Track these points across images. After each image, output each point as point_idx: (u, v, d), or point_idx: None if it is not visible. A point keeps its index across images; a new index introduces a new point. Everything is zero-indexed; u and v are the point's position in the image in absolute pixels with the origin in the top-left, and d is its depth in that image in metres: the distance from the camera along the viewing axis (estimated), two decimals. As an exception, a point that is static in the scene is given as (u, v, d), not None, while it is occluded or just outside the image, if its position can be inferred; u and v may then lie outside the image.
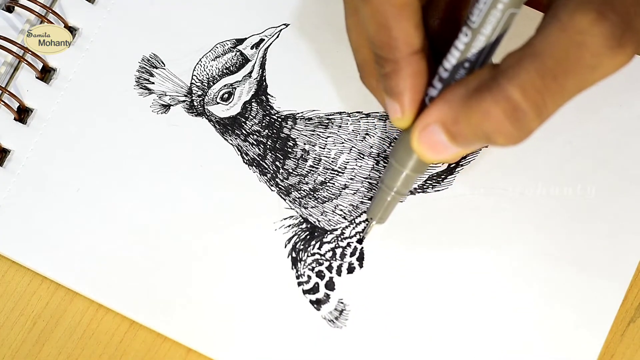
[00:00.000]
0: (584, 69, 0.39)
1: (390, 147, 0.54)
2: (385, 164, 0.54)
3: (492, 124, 0.39)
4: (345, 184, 0.54)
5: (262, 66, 0.55)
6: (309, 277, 0.53)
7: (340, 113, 0.54)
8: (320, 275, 0.53)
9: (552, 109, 0.39)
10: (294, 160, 0.54)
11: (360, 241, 0.53)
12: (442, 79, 0.42)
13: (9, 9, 0.56)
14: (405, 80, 0.42)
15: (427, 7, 0.43)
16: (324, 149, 0.54)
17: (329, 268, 0.53)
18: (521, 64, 0.39)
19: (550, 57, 0.38)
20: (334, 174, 0.54)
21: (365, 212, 0.53)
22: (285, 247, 0.53)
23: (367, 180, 0.54)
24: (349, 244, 0.53)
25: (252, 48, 0.55)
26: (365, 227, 0.53)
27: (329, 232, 0.53)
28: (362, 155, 0.54)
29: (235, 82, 0.55)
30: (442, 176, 0.54)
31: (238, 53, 0.55)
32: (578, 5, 0.38)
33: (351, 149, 0.54)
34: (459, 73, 0.42)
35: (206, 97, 0.55)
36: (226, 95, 0.55)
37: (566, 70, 0.38)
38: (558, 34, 0.38)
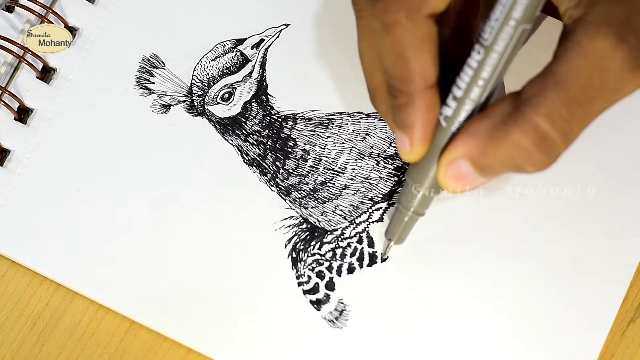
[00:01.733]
0: (608, 93, 0.39)
1: (391, 147, 0.54)
2: (385, 165, 0.54)
3: (521, 155, 0.40)
4: (346, 184, 0.54)
5: (263, 66, 0.55)
6: (309, 277, 0.53)
7: (340, 113, 0.54)
8: (320, 275, 0.53)
9: (578, 132, 0.40)
10: (294, 160, 0.54)
11: (382, 260, 0.53)
12: (456, 97, 0.42)
13: (9, 9, 0.56)
14: (417, 114, 0.42)
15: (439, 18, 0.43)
16: (324, 149, 0.54)
17: (329, 268, 0.53)
18: (545, 93, 0.39)
19: (574, 85, 0.39)
20: (334, 174, 0.54)
21: (364, 212, 0.53)
22: (286, 247, 0.53)
23: (367, 180, 0.54)
24: (349, 244, 0.53)
25: (252, 48, 0.55)
26: (384, 247, 0.53)
27: (329, 233, 0.53)
28: (362, 156, 0.54)
29: (235, 82, 0.55)
30: (443, 176, 0.54)
31: (238, 53, 0.55)
32: (598, 29, 0.38)
33: (351, 149, 0.54)
34: (473, 91, 0.41)
35: (206, 97, 0.55)
36: (226, 96, 0.55)
37: (591, 96, 0.39)
38: (580, 60, 0.39)
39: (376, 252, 0.53)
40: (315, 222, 0.53)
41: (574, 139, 0.40)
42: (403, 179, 0.54)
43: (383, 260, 0.53)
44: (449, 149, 0.42)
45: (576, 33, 0.39)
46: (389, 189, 0.54)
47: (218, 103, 0.55)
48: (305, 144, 0.54)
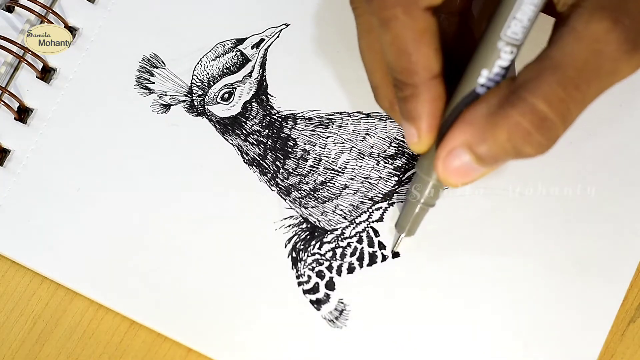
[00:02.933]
0: (604, 75, 0.39)
1: (391, 147, 0.54)
2: (385, 164, 0.54)
3: (520, 137, 0.40)
4: (346, 184, 0.54)
5: (263, 66, 0.55)
6: (309, 277, 0.53)
7: (340, 113, 0.54)
8: (320, 275, 0.53)
9: (575, 114, 0.40)
10: (294, 160, 0.54)
11: (394, 255, 0.53)
12: (478, 94, 0.42)
13: (9, 9, 0.56)
14: (423, 105, 0.42)
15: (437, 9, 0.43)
16: (324, 148, 0.54)
17: (329, 268, 0.53)
18: (542, 76, 0.39)
19: (570, 68, 0.39)
20: (334, 174, 0.54)
21: (364, 212, 0.53)
22: (286, 247, 0.53)
23: (367, 180, 0.54)
24: (349, 244, 0.53)
25: (252, 48, 0.55)
26: (394, 240, 0.53)
27: (329, 232, 0.53)
28: (362, 155, 0.54)
29: (235, 82, 0.55)
30: (443, 176, 0.54)
31: (238, 53, 0.55)
32: (592, 13, 0.39)
33: (351, 149, 0.54)
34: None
35: (206, 96, 0.55)
36: (226, 95, 0.55)
37: (587, 78, 0.39)
38: (575, 44, 0.39)
39: (376, 251, 0.53)
40: (315, 222, 0.53)
41: (572, 121, 0.40)
42: (403, 179, 0.54)
43: (394, 254, 0.53)
44: (446, 139, 0.42)
45: (571, 18, 0.39)
46: (389, 189, 0.54)
47: (218, 103, 0.55)
48: (305, 144, 0.54)
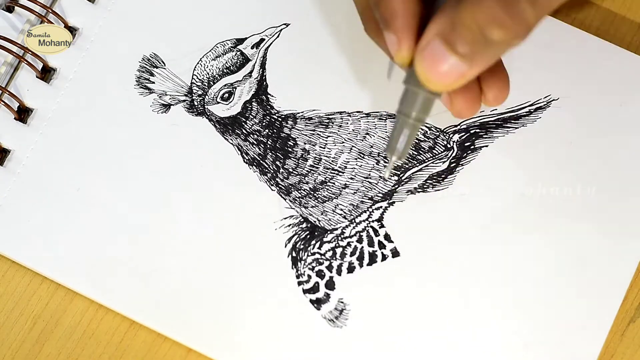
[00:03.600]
0: None
1: None
2: (385, 164, 0.54)
3: (487, 16, 0.38)
4: (346, 184, 0.54)
5: (263, 66, 0.55)
6: (309, 276, 0.53)
7: (340, 112, 0.54)
8: (320, 274, 0.53)
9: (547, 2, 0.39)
10: (294, 159, 0.54)
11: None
12: None
13: (9, 9, 0.56)
14: (396, 4, 0.42)
15: None
16: (324, 148, 0.54)
17: (329, 267, 0.53)
18: None
19: None
20: (334, 173, 0.54)
21: (364, 211, 0.53)
22: (286, 246, 0.53)
23: (367, 179, 0.54)
24: (349, 244, 0.53)
25: (252, 48, 0.55)
26: (384, 166, 0.52)
27: (329, 232, 0.53)
28: (362, 155, 0.54)
29: (235, 82, 0.55)
30: (442, 176, 0.54)
31: (238, 53, 0.55)
32: None
33: (351, 149, 0.54)
34: None
35: (206, 96, 0.55)
36: (226, 95, 0.55)
37: None
38: None
39: (376, 251, 0.53)
40: (315, 222, 0.53)
41: (542, 7, 0.39)
42: (403, 178, 0.54)
43: (384, 179, 0.52)
44: (423, 34, 0.41)
45: None
46: (389, 188, 0.54)
47: (218, 102, 0.55)
48: (305, 144, 0.54)
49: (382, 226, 0.53)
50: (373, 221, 0.53)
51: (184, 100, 0.55)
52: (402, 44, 0.42)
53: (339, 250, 0.53)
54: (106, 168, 0.54)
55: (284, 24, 0.56)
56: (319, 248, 0.53)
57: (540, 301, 0.52)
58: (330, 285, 0.53)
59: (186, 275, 0.53)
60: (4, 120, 0.55)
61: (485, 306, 0.52)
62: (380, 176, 0.53)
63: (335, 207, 0.53)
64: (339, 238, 0.53)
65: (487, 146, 0.54)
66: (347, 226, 0.53)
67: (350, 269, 0.53)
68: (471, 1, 0.39)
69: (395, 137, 0.45)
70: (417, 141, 0.54)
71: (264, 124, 0.54)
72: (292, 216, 0.53)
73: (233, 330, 0.52)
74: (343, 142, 0.54)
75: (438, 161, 0.54)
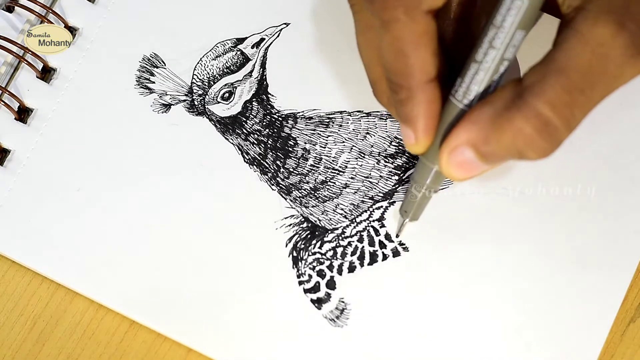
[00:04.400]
0: (608, 79, 0.39)
1: (391, 146, 0.54)
2: (385, 163, 0.54)
3: (524, 141, 0.40)
4: (346, 183, 0.54)
5: (263, 65, 0.55)
6: (310, 276, 0.53)
7: (340, 112, 0.55)
8: (321, 274, 0.53)
9: (579, 119, 0.40)
10: (295, 159, 0.54)
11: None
12: (464, 80, 0.42)
13: (9, 9, 0.56)
14: (419, 108, 0.42)
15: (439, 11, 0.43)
16: (324, 148, 0.54)
17: (330, 267, 0.53)
18: (547, 80, 0.39)
19: (575, 72, 0.39)
20: (334, 173, 0.54)
21: (365, 211, 0.53)
22: (286, 246, 0.53)
23: (367, 179, 0.54)
24: (349, 243, 0.53)
25: (252, 47, 0.55)
26: (399, 225, 0.52)
27: (329, 231, 0.53)
28: (362, 155, 0.54)
29: (235, 82, 0.55)
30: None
31: (239, 52, 0.55)
32: (597, 17, 0.39)
33: (352, 148, 0.54)
34: (479, 74, 0.42)
35: (207, 96, 0.55)
36: (227, 95, 0.55)
37: (592, 82, 0.39)
38: (580, 48, 0.39)
39: (377, 250, 0.53)
40: (315, 221, 0.53)
41: (576, 126, 0.40)
42: (403, 178, 0.54)
43: (397, 236, 0.53)
44: (451, 136, 0.42)
45: (576, 21, 0.39)
46: (389, 188, 0.54)
47: (218, 102, 0.55)
48: (305, 143, 0.54)
49: (382, 226, 0.53)
50: (374, 221, 0.53)
51: (184, 100, 0.55)
52: (419, 142, 0.44)
53: (339, 250, 0.53)
54: (106, 168, 0.54)
55: (284, 24, 0.56)
56: (320, 247, 0.53)
57: (541, 301, 0.52)
58: (331, 284, 0.53)
59: (186, 275, 0.53)
60: (4, 120, 0.55)
61: (486, 306, 0.52)
62: (396, 234, 0.53)
63: (336, 207, 0.53)
64: (340, 237, 0.53)
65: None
66: (347, 226, 0.53)
67: (351, 269, 0.53)
68: (508, 122, 0.40)
69: (409, 203, 0.49)
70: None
71: (264, 123, 0.54)
72: (293, 216, 0.53)
73: (233, 330, 0.52)
74: (343, 142, 0.54)
75: (438, 161, 0.54)
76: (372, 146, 0.54)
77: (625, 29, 0.38)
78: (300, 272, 0.53)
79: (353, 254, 0.53)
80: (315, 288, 0.52)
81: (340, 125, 0.54)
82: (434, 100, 0.42)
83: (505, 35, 0.41)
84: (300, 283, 0.53)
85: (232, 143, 0.54)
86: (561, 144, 0.40)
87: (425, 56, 0.41)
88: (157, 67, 0.55)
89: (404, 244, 0.53)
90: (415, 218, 0.51)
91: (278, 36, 0.55)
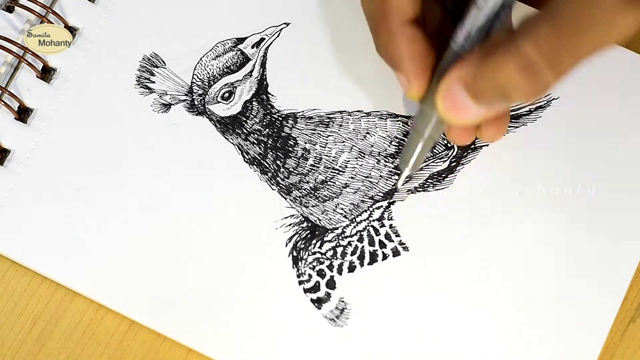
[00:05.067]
0: (600, 25, 0.39)
1: (391, 146, 0.54)
2: (385, 163, 0.54)
3: (506, 79, 0.40)
4: (346, 183, 0.54)
5: (263, 65, 0.55)
6: (310, 275, 0.53)
7: (341, 112, 0.55)
8: (321, 274, 0.53)
9: (567, 63, 0.40)
10: (295, 159, 0.54)
11: (394, 191, 0.53)
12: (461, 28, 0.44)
13: (9, 9, 0.56)
14: (401, 48, 0.44)
15: None
16: (324, 147, 0.54)
17: (330, 267, 0.53)
18: (536, 23, 0.40)
19: (564, 16, 0.39)
20: (334, 172, 0.54)
21: (365, 211, 0.53)
22: (286, 246, 0.53)
23: (367, 179, 0.54)
24: (349, 243, 0.53)
25: (252, 47, 0.55)
26: (400, 178, 0.52)
27: (329, 231, 0.53)
28: (362, 154, 0.54)
29: (235, 81, 0.55)
30: (443, 175, 0.54)
31: (239, 52, 0.55)
32: None
33: (352, 148, 0.54)
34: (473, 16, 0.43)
35: (207, 96, 0.55)
36: (227, 94, 0.55)
37: (581, 26, 0.39)
38: None
39: (377, 250, 0.53)
40: (315, 221, 0.53)
41: (564, 71, 0.40)
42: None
43: (396, 190, 0.53)
44: (445, 75, 0.43)
45: None
46: (389, 188, 0.54)
47: (218, 102, 0.55)
48: (305, 143, 0.54)
49: (382, 225, 0.53)
50: (374, 220, 0.53)
51: (185, 100, 0.55)
52: (412, 84, 0.45)
53: (339, 250, 0.53)
54: (106, 168, 0.54)
55: (284, 24, 0.56)
56: (320, 247, 0.53)
57: (541, 301, 0.52)
58: (331, 284, 0.53)
59: (186, 275, 0.53)
60: (4, 120, 0.55)
61: (485, 306, 0.52)
62: (393, 187, 0.53)
63: (336, 207, 0.53)
64: (340, 237, 0.53)
65: (487, 145, 0.54)
66: (347, 225, 0.53)
67: (351, 268, 0.53)
68: (494, 60, 0.41)
69: (409, 151, 0.49)
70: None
71: (264, 123, 0.54)
72: (293, 215, 0.53)
73: (233, 330, 0.52)
74: (344, 142, 0.54)
75: (438, 160, 0.54)
76: (372, 146, 0.54)
77: None
78: (300, 271, 0.53)
79: (353, 253, 0.53)
80: (315, 288, 0.52)
81: (340, 125, 0.54)
82: (415, 40, 0.44)
83: None
84: (300, 283, 0.53)
85: (232, 143, 0.54)
86: (546, 88, 0.41)
87: None
88: (157, 67, 0.55)
89: (404, 244, 0.53)
90: (415, 168, 0.50)
91: (278, 36, 0.55)
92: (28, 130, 0.55)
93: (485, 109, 0.43)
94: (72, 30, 0.56)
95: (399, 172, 0.52)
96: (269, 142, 0.54)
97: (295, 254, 0.53)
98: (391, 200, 0.53)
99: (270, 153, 0.54)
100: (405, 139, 0.53)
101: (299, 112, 0.54)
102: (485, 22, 0.43)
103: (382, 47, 0.45)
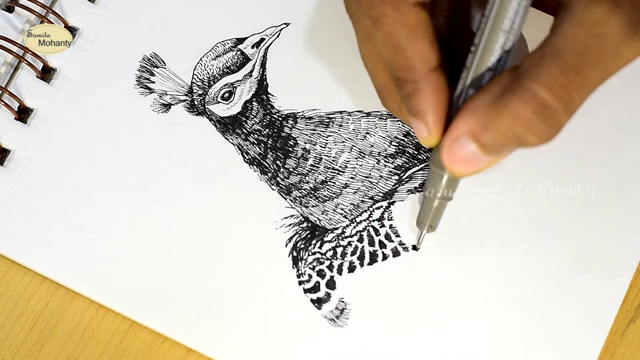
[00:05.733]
0: (606, 59, 0.39)
1: (391, 146, 0.54)
2: (385, 163, 0.54)
3: (523, 125, 0.39)
4: (346, 183, 0.54)
5: (263, 65, 0.55)
6: (310, 276, 0.53)
7: (340, 112, 0.55)
8: (321, 274, 0.53)
9: (578, 101, 0.40)
10: (295, 159, 0.54)
11: (414, 249, 0.53)
12: (462, 76, 0.43)
13: (9, 9, 0.56)
14: (426, 99, 0.42)
15: (431, 8, 0.43)
16: (324, 148, 0.54)
17: (330, 267, 0.53)
18: (542, 63, 0.39)
19: (570, 53, 0.39)
20: (334, 173, 0.54)
21: (365, 211, 0.53)
22: (286, 246, 0.53)
23: (367, 179, 0.54)
24: (349, 243, 0.53)
25: (252, 47, 0.55)
26: (417, 237, 0.52)
27: (329, 231, 0.53)
28: (362, 154, 0.54)
29: (235, 81, 0.55)
30: (443, 175, 0.54)
31: (239, 52, 0.55)
32: None
33: (352, 148, 0.54)
34: (475, 65, 0.42)
35: (207, 96, 0.55)
36: (227, 95, 0.55)
37: (588, 63, 0.39)
38: (575, 29, 0.39)
39: (377, 250, 0.53)
40: (315, 221, 0.53)
41: (575, 109, 0.40)
42: (403, 177, 0.54)
43: (416, 249, 0.53)
44: (450, 128, 0.42)
45: (571, 5, 0.39)
46: (389, 188, 0.54)
47: (218, 102, 0.55)
48: (305, 143, 0.54)
49: (382, 225, 0.53)
50: (374, 220, 0.53)
51: (184, 100, 0.55)
52: (431, 134, 0.43)
53: (339, 250, 0.53)
54: (106, 168, 0.54)
55: (284, 24, 0.56)
56: (320, 247, 0.53)
57: (541, 301, 0.52)
58: (331, 284, 0.52)
59: (186, 275, 0.53)
60: (4, 120, 0.55)
61: (486, 306, 0.52)
62: (415, 246, 0.53)
63: (336, 207, 0.53)
64: (340, 237, 0.53)
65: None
66: (347, 225, 0.53)
67: (351, 269, 0.53)
68: (507, 107, 0.40)
69: (425, 213, 0.50)
70: (416, 141, 0.54)
71: (264, 123, 0.54)
72: (293, 216, 0.53)
73: (233, 330, 0.52)
74: (343, 142, 0.54)
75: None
76: (372, 146, 0.54)
77: (619, 7, 0.38)
78: (300, 272, 0.53)
79: (353, 253, 0.53)
80: (315, 288, 0.52)
81: (340, 125, 0.54)
82: (440, 90, 0.42)
83: (503, 23, 0.41)
84: (300, 283, 0.53)
85: (232, 143, 0.54)
86: (561, 128, 0.40)
87: (422, 46, 0.41)
88: (157, 67, 0.55)
89: (404, 244, 0.53)
90: (433, 228, 0.51)
91: (278, 36, 0.55)
92: (28, 130, 0.55)
93: (494, 157, 0.42)
94: (72, 30, 0.56)
95: (419, 232, 0.52)
96: (269, 142, 0.54)
97: (295, 254, 0.53)
98: (391, 201, 0.53)
99: (270, 153, 0.54)
100: (406, 140, 0.53)
101: (299, 112, 0.54)
102: (486, 64, 0.42)
103: (406, 96, 0.43)
